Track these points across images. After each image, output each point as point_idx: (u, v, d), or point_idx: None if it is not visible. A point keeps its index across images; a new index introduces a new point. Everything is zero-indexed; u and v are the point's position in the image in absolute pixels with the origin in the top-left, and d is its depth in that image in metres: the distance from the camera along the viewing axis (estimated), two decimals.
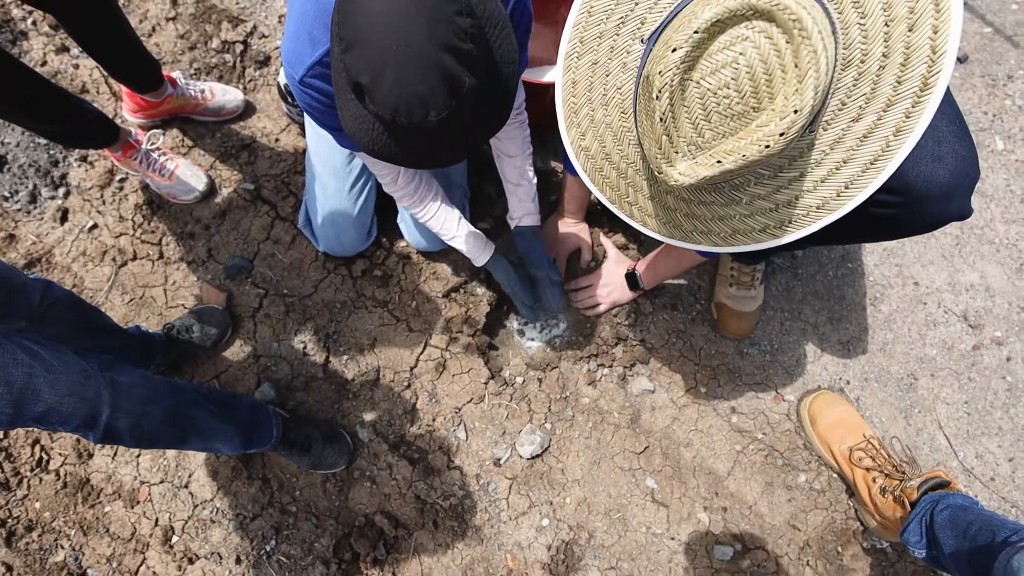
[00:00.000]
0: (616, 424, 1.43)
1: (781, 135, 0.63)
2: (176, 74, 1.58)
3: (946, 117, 0.91)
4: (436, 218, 1.28)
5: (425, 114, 0.67)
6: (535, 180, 1.36)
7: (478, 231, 1.34)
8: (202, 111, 1.61)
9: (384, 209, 1.53)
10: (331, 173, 1.39)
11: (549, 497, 1.36)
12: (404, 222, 1.48)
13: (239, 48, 1.75)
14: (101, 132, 1.40)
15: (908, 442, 1.43)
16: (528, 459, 1.38)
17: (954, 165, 0.91)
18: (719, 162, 0.67)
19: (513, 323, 1.56)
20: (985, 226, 1.61)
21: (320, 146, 1.40)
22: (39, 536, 1.32)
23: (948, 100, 0.93)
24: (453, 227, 1.30)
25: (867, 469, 1.28)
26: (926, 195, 0.92)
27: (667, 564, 1.32)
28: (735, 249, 0.86)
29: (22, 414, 0.82)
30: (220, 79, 1.74)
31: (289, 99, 1.61)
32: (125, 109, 1.60)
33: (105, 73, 1.66)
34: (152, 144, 1.50)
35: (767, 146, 0.64)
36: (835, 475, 1.40)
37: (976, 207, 1.61)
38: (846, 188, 0.76)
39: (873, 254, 1.61)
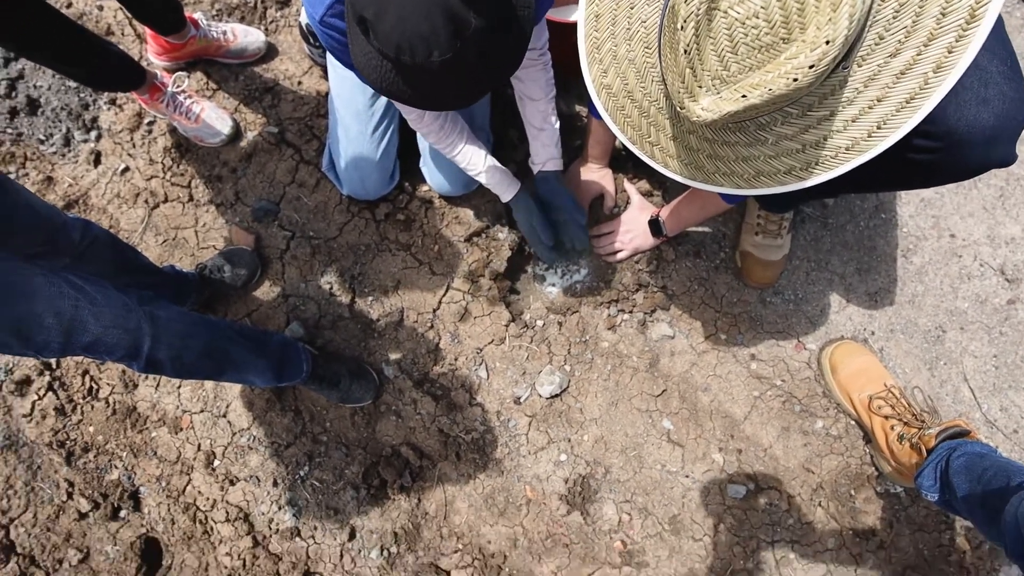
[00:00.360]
0: (635, 368, 1.45)
1: (811, 68, 0.61)
2: (198, 15, 1.57)
3: (996, 57, 0.86)
4: (463, 154, 1.28)
5: (428, 54, 0.66)
6: (558, 124, 1.34)
7: (504, 168, 1.33)
8: (225, 53, 1.60)
9: (407, 154, 1.53)
10: (353, 116, 1.39)
11: (567, 434, 1.41)
12: (427, 166, 1.48)
13: None
14: (127, 75, 1.42)
15: (931, 393, 1.43)
16: (547, 398, 1.42)
17: (1000, 108, 0.86)
18: (744, 96, 0.64)
19: (534, 269, 1.57)
20: None
21: (342, 88, 1.39)
22: (95, 457, 1.43)
23: (999, 38, 0.88)
24: (480, 163, 1.30)
25: (886, 417, 1.29)
26: (968, 139, 0.88)
27: (681, 499, 1.37)
28: (758, 191, 0.84)
29: (71, 343, 0.88)
30: (242, 20, 1.72)
31: (311, 40, 1.59)
32: (150, 51, 1.61)
33: (129, 15, 1.66)
34: (178, 87, 1.52)
35: (795, 79, 0.62)
36: (853, 422, 1.41)
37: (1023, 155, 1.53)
38: (878, 128, 0.73)
39: (909, 204, 1.55)
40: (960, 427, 1.17)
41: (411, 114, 1.20)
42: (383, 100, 1.40)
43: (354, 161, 1.42)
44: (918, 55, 0.68)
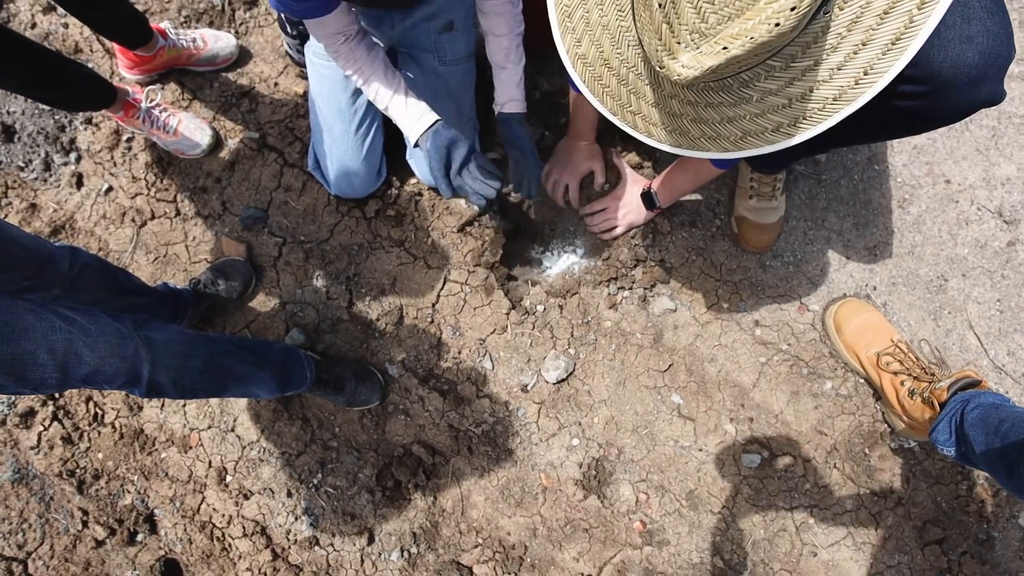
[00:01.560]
0: (639, 345, 1.44)
1: (792, 10, 0.59)
2: (165, 24, 1.54)
3: None
4: (372, 89, 1.18)
5: None
6: (523, 62, 1.27)
7: (418, 104, 1.20)
8: (196, 61, 1.57)
9: (394, 149, 1.50)
10: (336, 114, 1.36)
11: (577, 418, 1.40)
12: (414, 158, 1.46)
13: None
14: (98, 94, 1.39)
15: (937, 344, 1.42)
16: (554, 384, 1.41)
17: (984, 44, 0.84)
18: (725, 48, 0.62)
19: (530, 253, 1.56)
20: None
21: (322, 87, 1.37)
22: (106, 483, 1.42)
23: None
24: (386, 99, 1.19)
25: (895, 373, 1.28)
26: (953, 80, 0.86)
27: (696, 474, 1.37)
28: (746, 153, 0.82)
29: (69, 377, 0.86)
30: (211, 24, 1.68)
31: (288, 28, 1.54)
32: (121, 66, 1.57)
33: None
34: (151, 101, 1.49)
35: (777, 24, 0.59)
36: (861, 380, 1.40)
37: (1014, 93, 1.50)
38: (864, 74, 0.70)
39: (902, 153, 1.53)
40: (970, 377, 1.17)
41: (332, 42, 1.13)
42: (365, 98, 1.37)
43: (340, 161, 1.40)
44: None
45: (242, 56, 1.64)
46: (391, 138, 1.47)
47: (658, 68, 0.68)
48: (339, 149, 1.38)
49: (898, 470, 1.38)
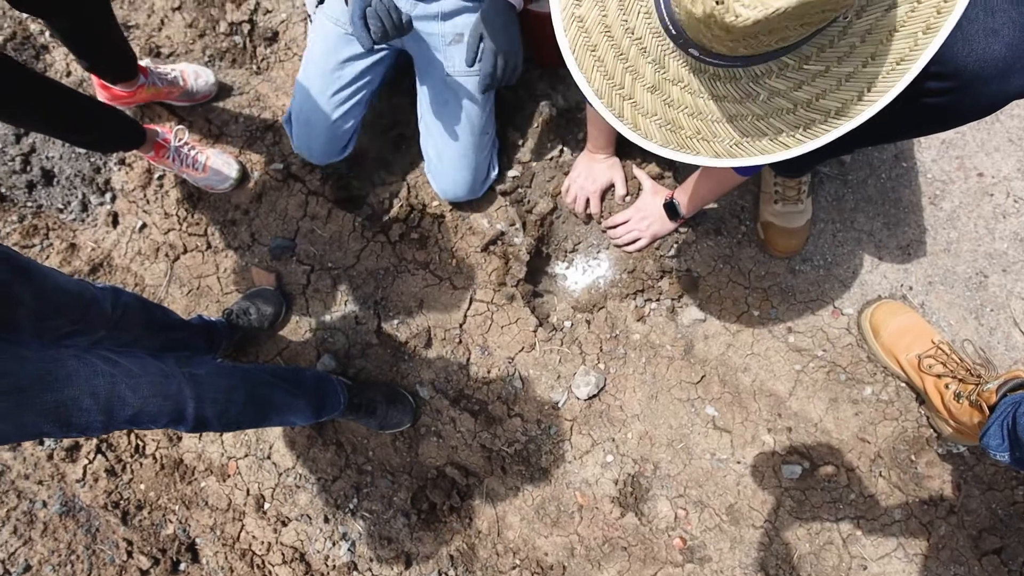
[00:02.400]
0: (670, 357, 1.42)
1: None
2: (146, 62, 1.58)
3: None
4: None
5: None
6: None
7: None
8: (176, 97, 1.62)
9: (414, 161, 1.52)
10: (319, 74, 1.39)
11: (611, 434, 1.39)
12: (431, 172, 1.47)
13: (246, 28, 1.74)
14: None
15: (981, 343, 1.37)
16: (585, 400, 1.40)
17: (1011, 36, 0.81)
18: None
19: (555, 268, 1.56)
20: None
21: (316, 48, 1.41)
22: (149, 513, 1.45)
23: None
24: None
25: (938, 376, 1.24)
26: (980, 75, 0.84)
27: (735, 487, 1.34)
28: (738, 162, 0.77)
29: (113, 419, 0.88)
30: (234, 63, 1.74)
31: None
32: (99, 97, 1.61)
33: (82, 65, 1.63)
34: (180, 140, 1.53)
35: None
36: (903, 385, 1.36)
37: None
38: (867, 91, 0.68)
39: (930, 149, 1.50)
40: (1020, 377, 1.12)
41: None
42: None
43: (307, 115, 1.42)
44: (912, 10, 0.65)
45: (267, 90, 1.68)
46: (407, 147, 1.47)
47: (714, 5, 0.59)
48: (311, 105, 1.41)
49: (948, 477, 1.33)
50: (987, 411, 1.13)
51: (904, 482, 1.32)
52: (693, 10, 0.62)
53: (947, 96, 0.87)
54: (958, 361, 1.25)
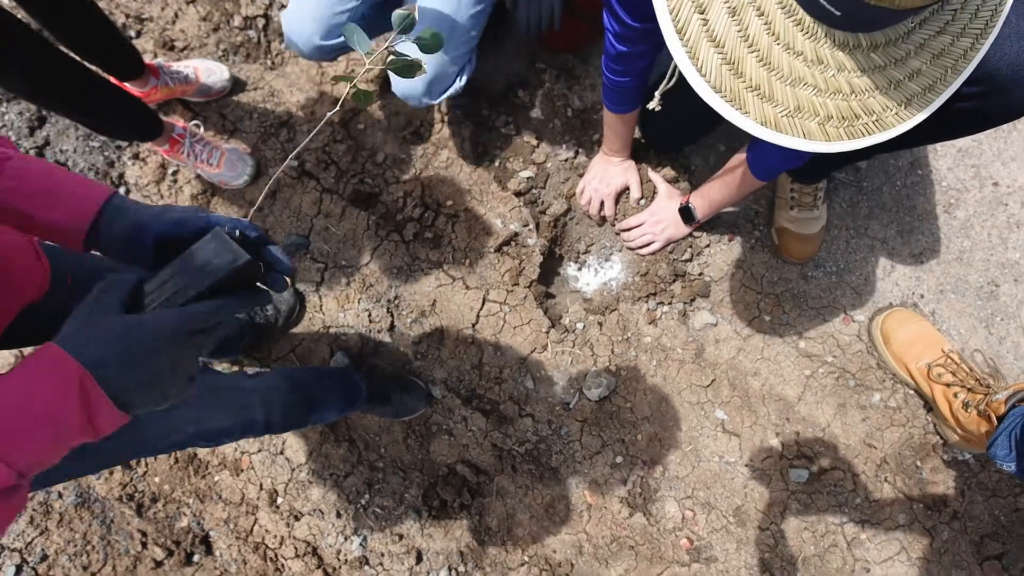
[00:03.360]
0: (680, 360, 1.44)
1: None
2: (158, 62, 1.57)
3: None
4: None
5: None
6: None
7: None
8: (192, 94, 1.61)
9: (426, 156, 1.51)
10: None
11: (620, 436, 1.40)
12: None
13: (261, 22, 1.73)
14: (147, 126, 1.43)
15: (991, 353, 1.38)
16: (596, 401, 1.42)
17: None
18: None
19: (568, 270, 1.56)
20: None
21: None
22: (163, 506, 1.47)
23: None
24: None
25: (947, 385, 1.25)
26: (1012, 78, 0.84)
27: (743, 490, 1.36)
28: (857, 144, 0.66)
29: (189, 438, 0.92)
30: (248, 57, 1.73)
31: None
32: None
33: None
34: (195, 136, 1.53)
35: None
36: (911, 392, 1.37)
37: None
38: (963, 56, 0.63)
39: (946, 157, 1.50)
40: None
41: None
42: None
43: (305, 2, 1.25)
44: None
45: (282, 85, 1.68)
46: (428, 150, 1.46)
47: None
48: None
49: (952, 483, 1.35)
50: (995, 421, 1.14)
51: (909, 487, 1.34)
52: None
53: (977, 100, 0.87)
54: (967, 370, 1.26)
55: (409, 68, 0.75)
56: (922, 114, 0.66)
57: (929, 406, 1.35)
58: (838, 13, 0.58)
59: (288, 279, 0.75)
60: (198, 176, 1.61)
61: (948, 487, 1.34)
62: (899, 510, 1.34)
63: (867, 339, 1.41)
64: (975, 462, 1.34)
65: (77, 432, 0.49)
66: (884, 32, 0.62)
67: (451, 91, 1.35)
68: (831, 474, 1.35)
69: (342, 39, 1.30)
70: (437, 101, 1.34)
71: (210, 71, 1.62)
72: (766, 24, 0.63)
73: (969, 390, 1.23)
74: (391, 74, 1.27)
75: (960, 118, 0.93)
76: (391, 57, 0.75)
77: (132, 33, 1.75)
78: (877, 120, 0.67)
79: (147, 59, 1.65)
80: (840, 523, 1.33)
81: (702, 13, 0.64)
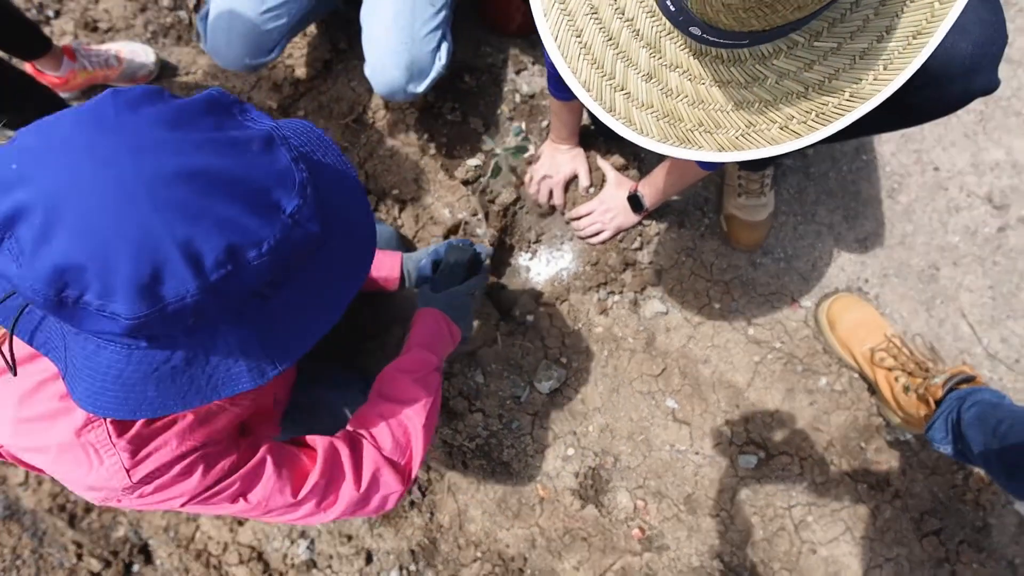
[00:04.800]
0: (632, 349, 1.43)
1: None
2: (75, 43, 1.47)
3: None
4: None
5: None
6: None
7: None
8: (115, 79, 1.53)
9: (369, 144, 1.46)
10: None
11: (572, 427, 1.39)
12: (366, 55, 1.27)
13: (192, 2, 1.63)
14: (30, 42, 1.35)
15: (931, 335, 1.41)
16: (547, 394, 1.40)
17: (978, 34, 0.81)
18: None
19: (519, 260, 1.53)
20: (1012, 96, 1.49)
21: None
22: (99, 515, 1.40)
23: None
24: None
25: (889, 369, 1.27)
26: (947, 72, 0.83)
27: (693, 478, 1.36)
28: (746, 156, 0.70)
29: None
30: (179, 39, 1.63)
31: None
32: None
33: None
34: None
35: None
36: (856, 375, 1.39)
37: (1001, 76, 1.47)
38: (884, 69, 0.64)
39: (889, 143, 1.51)
40: (965, 373, 1.16)
41: None
42: None
43: (228, 16, 1.17)
44: None
45: (215, 69, 1.59)
46: (372, 138, 1.42)
47: None
48: (233, 6, 1.17)
49: (895, 463, 1.38)
50: (933, 405, 1.17)
51: (854, 468, 1.37)
52: None
53: (914, 92, 0.86)
54: (908, 354, 1.28)
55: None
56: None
57: (873, 389, 1.38)
58: (711, 38, 0.61)
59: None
60: None
61: (891, 467, 1.38)
62: (844, 491, 1.36)
63: (814, 325, 1.43)
64: (916, 442, 1.37)
65: (450, 342, 1.04)
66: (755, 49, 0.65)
67: (434, 73, 1.26)
68: (779, 459, 1.37)
69: (272, 55, 1.28)
70: (423, 88, 1.25)
71: (134, 53, 1.52)
72: (639, 37, 0.67)
73: (909, 374, 1.25)
74: (367, 61, 1.24)
75: (896, 111, 0.92)
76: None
77: (51, 13, 1.64)
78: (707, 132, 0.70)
79: (66, 41, 1.54)
80: (788, 506, 1.35)
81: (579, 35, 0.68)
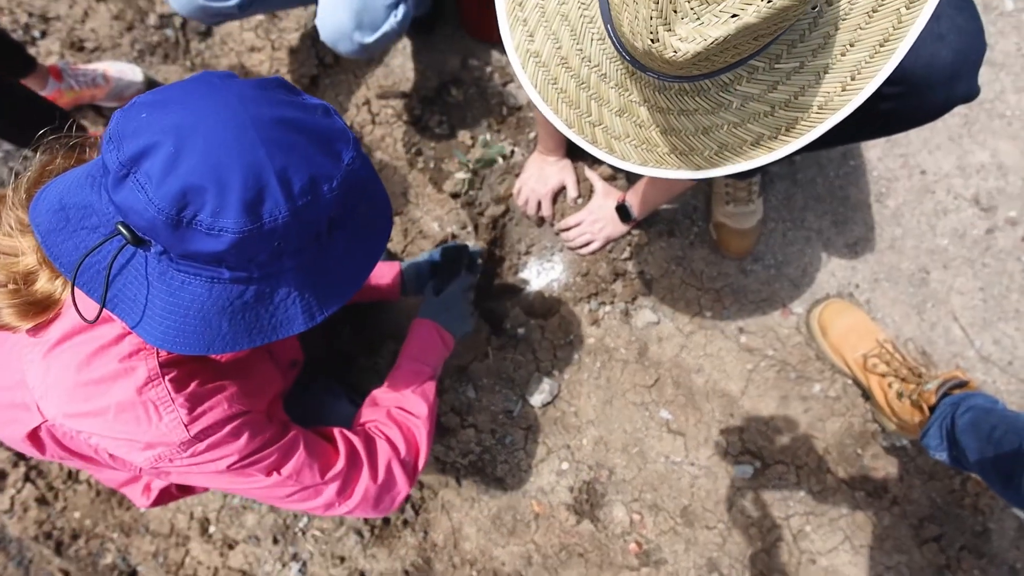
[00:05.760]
0: (624, 360, 1.42)
1: None
2: (62, 63, 1.47)
3: None
4: None
5: None
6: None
7: None
8: (103, 98, 1.53)
9: None
10: None
11: (566, 441, 1.38)
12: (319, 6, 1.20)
13: (178, 21, 1.63)
14: (14, 62, 1.34)
15: (923, 339, 1.41)
16: (540, 407, 1.38)
17: (957, 42, 0.82)
18: (735, 16, 0.52)
19: (508, 272, 1.52)
20: (995, 99, 1.50)
21: None
22: (86, 542, 1.38)
23: None
24: None
25: (882, 375, 1.26)
26: (927, 81, 0.84)
27: (689, 489, 1.35)
28: (721, 171, 0.74)
29: None
30: (166, 57, 1.63)
31: None
32: None
33: None
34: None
35: None
36: (850, 381, 1.39)
37: (984, 79, 1.49)
38: (852, 79, 0.65)
39: (876, 147, 1.51)
40: (958, 378, 1.15)
41: None
42: None
43: None
44: None
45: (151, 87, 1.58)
46: None
47: (649, 43, 0.58)
48: None
49: (892, 469, 1.37)
50: (927, 411, 1.16)
51: (851, 476, 1.35)
52: (635, 44, 0.60)
53: (895, 101, 0.87)
54: (901, 360, 1.28)
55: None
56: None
57: (867, 395, 1.37)
58: (669, 78, 0.66)
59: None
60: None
61: (888, 473, 1.36)
62: (842, 499, 1.35)
63: (806, 331, 1.42)
64: (912, 448, 1.36)
65: (443, 349, 1.09)
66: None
67: (387, 27, 1.17)
68: (775, 468, 1.35)
69: (383, 31, 1.18)
70: (371, 40, 1.15)
71: (121, 72, 1.52)
72: (607, 79, 0.73)
73: (903, 380, 1.25)
74: (318, 12, 1.16)
75: (879, 119, 0.92)
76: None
77: (36, 33, 1.63)
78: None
79: (53, 61, 1.54)
80: (786, 516, 1.34)
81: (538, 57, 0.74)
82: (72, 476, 1.40)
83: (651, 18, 0.55)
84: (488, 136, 1.51)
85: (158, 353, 0.68)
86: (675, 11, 0.54)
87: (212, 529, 1.36)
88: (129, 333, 0.67)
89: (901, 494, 1.35)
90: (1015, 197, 1.46)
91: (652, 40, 0.57)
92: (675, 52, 0.55)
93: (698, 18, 0.54)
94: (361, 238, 0.67)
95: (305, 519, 1.36)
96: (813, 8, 0.63)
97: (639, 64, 0.65)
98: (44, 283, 0.67)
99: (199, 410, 0.69)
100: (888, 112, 0.90)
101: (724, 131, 0.71)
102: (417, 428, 0.94)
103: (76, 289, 0.60)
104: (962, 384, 1.15)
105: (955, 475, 1.35)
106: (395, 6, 1.18)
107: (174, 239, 0.54)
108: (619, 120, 0.75)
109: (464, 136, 1.54)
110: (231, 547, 1.34)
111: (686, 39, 0.54)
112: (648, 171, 0.77)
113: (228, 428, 0.71)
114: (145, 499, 0.96)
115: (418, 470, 0.92)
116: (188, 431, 0.68)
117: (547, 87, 0.75)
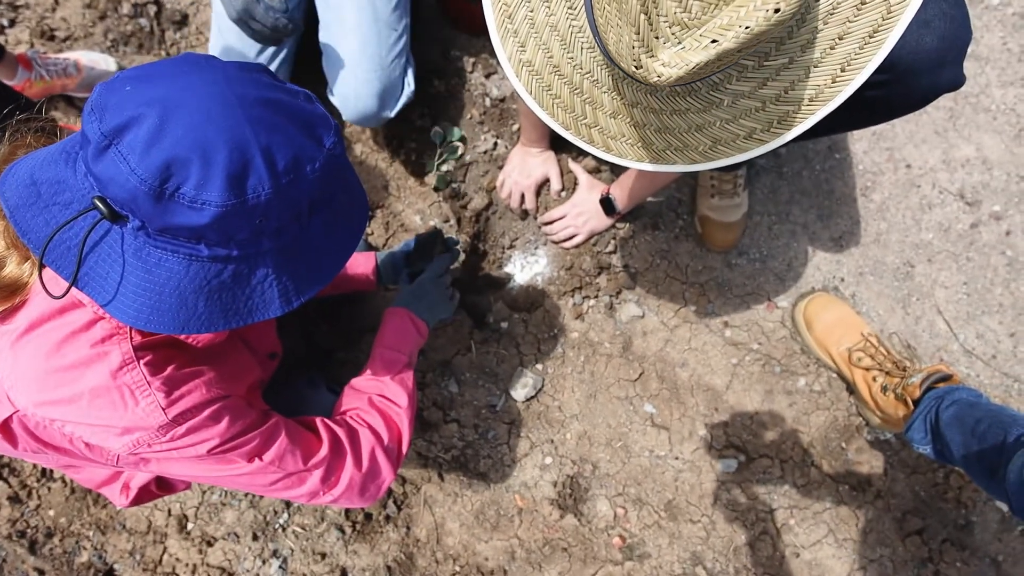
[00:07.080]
0: (608, 354, 1.41)
1: None
2: (31, 52, 1.43)
3: None
4: None
5: None
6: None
7: None
8: (74, 88, 1.49)
9: None
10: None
11: (549, 435, 1.37)
12: (334, 84, 1.28)
13: (152, 9, 1.59)
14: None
15: (907, 332, 1.40)
16: (523, 402, 1.37)
17: (943, 29, 0.81)
18: (714, 42, 0.54)
19: (492, 267, 1.51)
20: (980, 92, 1.50)
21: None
22: (61, 540, 1.35)
23: None
24: None
25: (866, 369, 1.26)
26: (913, 67, 0.83)
27: (673, 483, 1.34)
28: (716, 164, 0.76)
29: None
30: (140, 47, 1.59)
31: None
32: None
33: None
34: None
35: (776, 11, 0.52)
36: (834, 375, 1.38)
37: (969, 73, 1.48)
38: (842, 71, 0.66)
39: (862, 141, 1.51)
40: (942, 371, 1.15)
41: None
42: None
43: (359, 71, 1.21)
44: None
45: None
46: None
47: (634, 68, 0.59)
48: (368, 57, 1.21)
49: (876, 462, 1.37)
50: (911, 404, 1.16)
51: (835, 469, 1.35)
52: (621, 64, 0.61)
53: (881, 89, 0.86)
54: (886, 353, 1.27)
55: None
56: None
57: (851, 389, 1.37)
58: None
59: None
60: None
61: (872, 467, 1.36)
62: (826, 493, 1.35)
63: (791, 325, 1.41)
64: (896, 441, 1.36)
65: (417, 337, 1.08)
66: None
67: (404, 98, 1.31)
68: (760, 461, 1.35)
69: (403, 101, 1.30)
70: (395, 112, 1.29)
71: (93, 62, 1.48)
72: (599, 84, 0.74)
73: (887, 374, 1.24)
74: (335, 89, 1.26)
75: (865, 107, 0.91)
76: None
77: (4, 22, 1.59)
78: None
79: (22, 50, 1.50)
80: (770, 510, 1.34)
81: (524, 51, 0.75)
82: (46, 474, 1.38)
83: (633, 46, 0.57)
84: (438, 128, 1.49)
85: (131, 337, 0.66)
86: (657, 37, 0.56)
87: (190, 526, 1.34)
88: (101, 319, 0.65)
89: (885, 487, 1.35)
90: (999, 191, 1.45)
91: (636, 67, 0.59)
92: (659, 76, 0.57)
93: (680, 43, 0.56)
94: (339, 224, 0.67)
95: (285, 515, 1.34)
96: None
97: (628, 73, 0.65)
98: (12, 268, 0.65)
99: (176, 393, 0.68)
100: (874, 100, 0.89)
101: (717, 127, 0.72)
102: (398, 415, 0.94)
103: (45, 268, 0.58)
104: (946, 378, 1.14)
105: (938, 468, 1.35)
106: (404, 73, 1.30)
107: (155, 212, 0.53)
108: (614, 121, 0.76)
109: (446, 128, 1.51)
110: (210, 544, 1.33)
111: (668, 64, 0.56)
112: (645, 167, 0.79)
113: (207, 412, 0.70)
114: (124, 498, 0.93)
115: (401, 457, 0.92)
116: (166, 414, 0.66)
117: (542, 93, 0.77)
